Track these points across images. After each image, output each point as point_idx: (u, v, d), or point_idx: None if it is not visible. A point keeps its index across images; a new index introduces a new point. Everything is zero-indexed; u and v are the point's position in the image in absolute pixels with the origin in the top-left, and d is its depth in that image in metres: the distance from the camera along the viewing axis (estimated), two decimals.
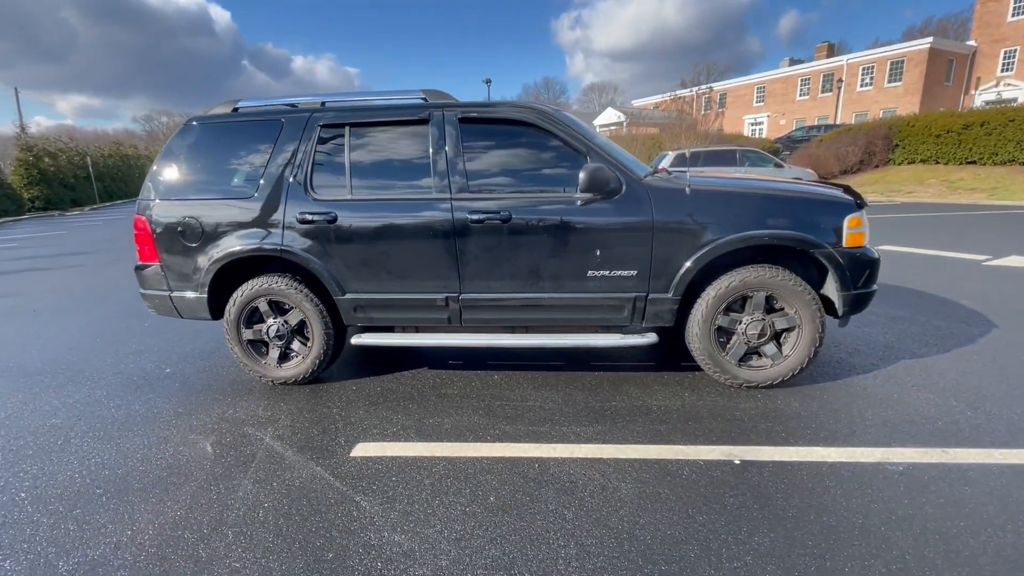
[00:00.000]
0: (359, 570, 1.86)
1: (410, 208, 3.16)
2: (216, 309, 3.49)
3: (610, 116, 45.88)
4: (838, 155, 18.86)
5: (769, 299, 3.06)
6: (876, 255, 3.07)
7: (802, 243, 2.93)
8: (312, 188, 3.25)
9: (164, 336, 4.65)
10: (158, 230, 3.40)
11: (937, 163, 17.90)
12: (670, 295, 3.06)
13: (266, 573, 1.86)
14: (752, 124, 40.42)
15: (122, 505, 2.28)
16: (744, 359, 3.16)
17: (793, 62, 40.23)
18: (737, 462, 2.43)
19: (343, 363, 3.90)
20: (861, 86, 34.38)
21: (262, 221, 3.27)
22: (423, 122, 3.20)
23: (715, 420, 2.82)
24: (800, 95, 37.59)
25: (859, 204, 3.02)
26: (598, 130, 42.32)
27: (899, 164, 18.91)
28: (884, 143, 19.01)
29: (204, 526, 2.12)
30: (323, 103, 3.42)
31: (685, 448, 2.56)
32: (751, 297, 3.05)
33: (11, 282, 7.65)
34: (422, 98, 3.32)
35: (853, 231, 2.96)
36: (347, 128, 3.26)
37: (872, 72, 33.75)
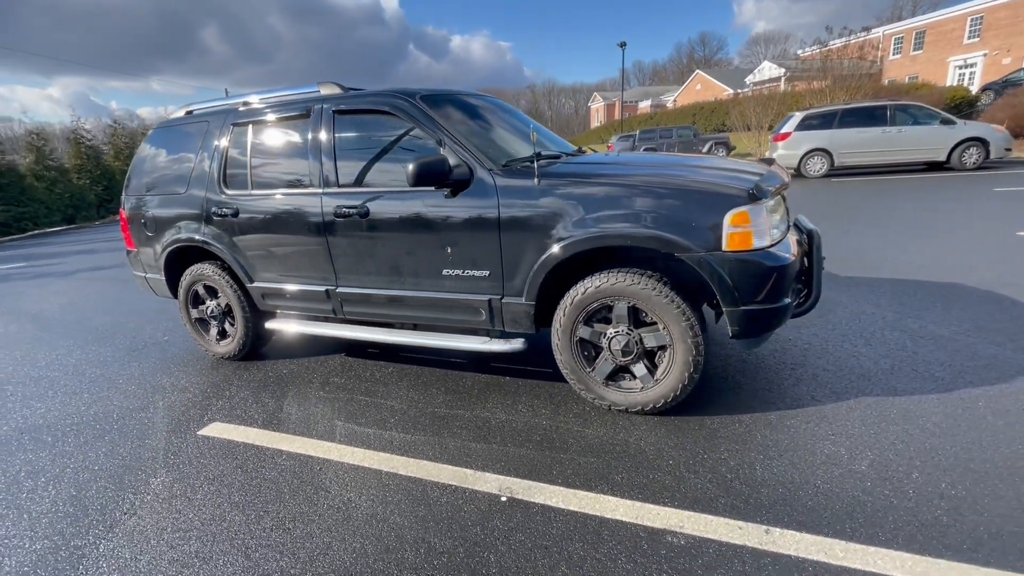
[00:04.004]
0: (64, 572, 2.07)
1: (293, 203, 3.26)
2: (176, 290, 4.03)
3: (768, 71, 40.22)
4: None
5: (638, 311, 2.54)
6: (784, 260, 2.34)
7: (665, 245, 2.36)
8: (226, 184, 3.53)
9: None
10: (131, 222, 4.01)
11: None
12: (523, 299, 2.73)
13: (14, 554, 2.07)
14: (960, 68, 31.98)
15: None
16: (613, 378, 2.69)
17: None
18: (504, 499, 2.12)
19: (291, 342, 4.23)
20: None
21: (191, 215, 3.66)
22: (306, 116, 3.24)
23: (541, 447, 2.48)
24: None
25: (752, 195, 2.31)
26: (750, 88, 37.44)
27: None
28: None
29: (23, 490, 2.46)
30: (245, 101, 3.66)
31: (470, 473, 2.31)
32: (614, 307, 2.57)
33: None
34: (316, 91, 3.36)
35: (736, 230, 2.29)
36: (250, 125, 3.45)
37: None
